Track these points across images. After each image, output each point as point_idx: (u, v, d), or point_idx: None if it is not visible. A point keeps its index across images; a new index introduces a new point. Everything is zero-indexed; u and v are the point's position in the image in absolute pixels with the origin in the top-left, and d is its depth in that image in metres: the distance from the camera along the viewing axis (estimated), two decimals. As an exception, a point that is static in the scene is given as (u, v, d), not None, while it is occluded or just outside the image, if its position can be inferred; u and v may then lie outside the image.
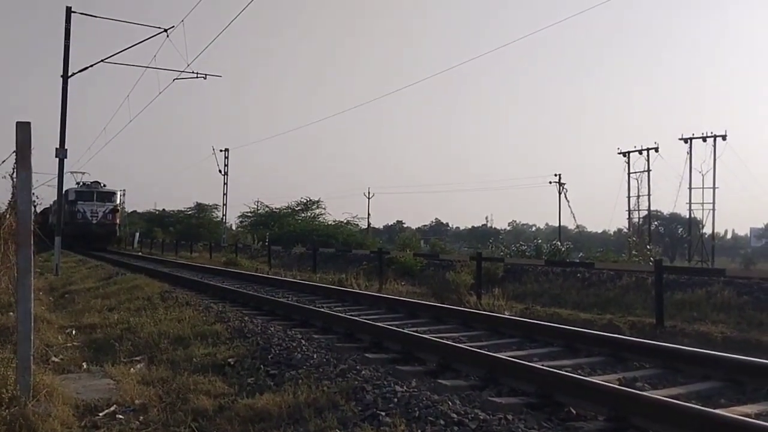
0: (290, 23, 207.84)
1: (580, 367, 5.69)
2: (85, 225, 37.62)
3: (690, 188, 45.28)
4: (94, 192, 39.13)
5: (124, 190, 50.54)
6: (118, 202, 40.51)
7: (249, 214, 53.85)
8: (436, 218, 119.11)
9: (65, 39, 19.46)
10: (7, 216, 5.55)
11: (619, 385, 4.82)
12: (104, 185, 40.23)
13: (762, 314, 9.88)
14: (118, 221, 40.74)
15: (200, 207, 60.67)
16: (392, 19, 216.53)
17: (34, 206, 5.65)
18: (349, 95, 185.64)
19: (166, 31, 19.31)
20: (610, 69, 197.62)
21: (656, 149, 46.82)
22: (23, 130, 4.79)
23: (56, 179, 20.31)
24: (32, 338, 4.63)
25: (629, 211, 49.52)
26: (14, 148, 4.83)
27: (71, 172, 40.51)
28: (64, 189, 35.58)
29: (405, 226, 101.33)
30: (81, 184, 40.00)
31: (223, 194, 46.85)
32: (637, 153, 48.05)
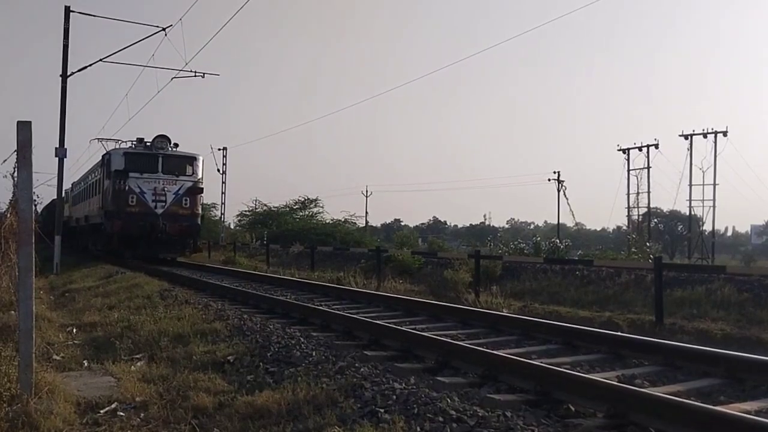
0: (288, 22, 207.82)
1: (579, 365, 5.70)
2: (144, 216, 20.69)
3: (690, 185, 45.32)
4: (158, 157, 21.34)
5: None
6: (200, 175, 22.30)
7: (247, 213, 53.70)
8: (434, 216, 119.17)
9: (64, 38, 19.49)
10: (8, 215, 5.57)
11: (618, 382, 4.84)
12: (176, 145, 22.22)
13: (762, 311, 9.90)
14: (200, 210, 22.73)
15: (199, 205, 60.41)
16: (390, 18, 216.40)
17: (35, 205, 5.67)
18: (348, 94, 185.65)
19: (164, 30, 19.29)
20: (609, 65, 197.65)
21: (656, 146, 46.86)
22: (24, 129, 4.81)
23: (56, 178, 20.27)
24: (33, 336, 4.65)
25: (629, 208, 49.55)
26: (14, 148, 4.85)
27: (98, 140, 26.32)
28: (103, 153, 22.70)
29: (403, 224, 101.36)
30: (135, 143, 22.35)
31: (222, 193, 46.78)
32: (636, 150, 48.07)
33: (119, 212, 20.56)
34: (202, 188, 22.20)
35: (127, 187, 20.61)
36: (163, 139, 21.66)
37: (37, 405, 4.29)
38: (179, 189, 21.36)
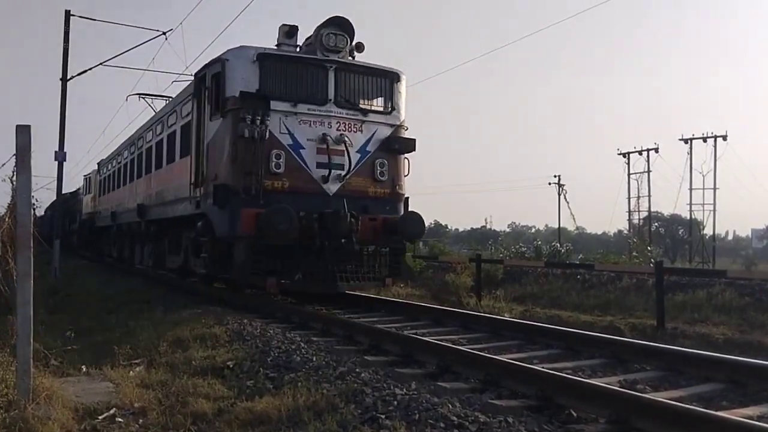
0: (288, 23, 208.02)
1: (581, 369, 5.67)
2: (305, 199, 9.42)
3: (690, 189, 45.27)
4: (328, 70, 9.90)
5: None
6: (403, 114, 10.61)
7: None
8: (435, 220, 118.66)
9: (64, 42, 19.46)
10: (6, 219, 5.55)
11: (620, 387, 4.81)
12: (358, 46, 10.19)
13: (763, 315, 9.87)
14: (404, 188, 10.59)
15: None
16: (392, 22, 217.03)
17: (34, 209, 5.66)
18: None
19: (164, 34, 19.20)
20: (610, 69, 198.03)
21: (656, 150, 46.83)
22: (23, 132, 4.79)
23: (55, 182, 20.25)
24: (32, 341, 4.62)
25: (629, 212, 49.49)
26: (14, 152, 4.84)
27: (139, 95, 18.94)
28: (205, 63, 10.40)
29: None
30: (278, 42, 10.24)
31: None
32: (637, 154, 48.04)
33: (249, 187, 9.19)
34: (413, 141, 10.63)
35: (266, 133, 9.31)
36: (339, 30, 10.07)
37: (35, 411, 4.25)
38: (369, 140, 10.20)
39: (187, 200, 11.09)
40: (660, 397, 4.46)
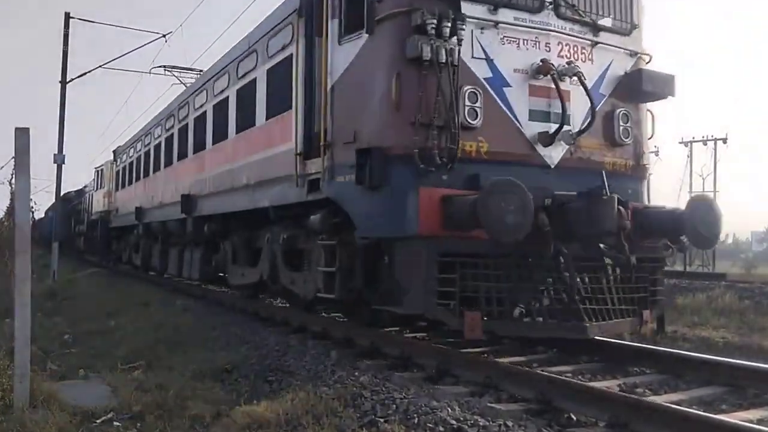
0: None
1: (581, 373, 5.66)
2: (513, 174, 5.13)
3: (690, 192, 45.25)
4: None
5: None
6: (643, 38, 6.63)
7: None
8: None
9: (64, 45, 19.47)
10: (4, 222, 5.56)
11: (619, 390, 4.80)
12: None
13: (763, 319, 9.86)
14: (648, 153, 6.81)
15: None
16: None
17: (32, 212, 5.67)
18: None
19: (164, 36, 19.21)
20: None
21: (656, 153, 46.82)
22: (22, 135, 4.79)
23: (54, 185, 20.23)
24: (30, 345, 4.62)
25: (629, 215, 49.48)
26: (12, 154, 4.84)
27: (165, 68, 18.22)
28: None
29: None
30: None
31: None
32: (636, 157, 48.10)
33: (430, 151, 5.36)
34: (671, 78, 6.67)
35: (452, 57, 5.41)
36: None
37: (33, 415, 4.25)
38: (603, 77, 6.33)
39: (286, 181, 7.24)
40: (660, 400, 4.45)
